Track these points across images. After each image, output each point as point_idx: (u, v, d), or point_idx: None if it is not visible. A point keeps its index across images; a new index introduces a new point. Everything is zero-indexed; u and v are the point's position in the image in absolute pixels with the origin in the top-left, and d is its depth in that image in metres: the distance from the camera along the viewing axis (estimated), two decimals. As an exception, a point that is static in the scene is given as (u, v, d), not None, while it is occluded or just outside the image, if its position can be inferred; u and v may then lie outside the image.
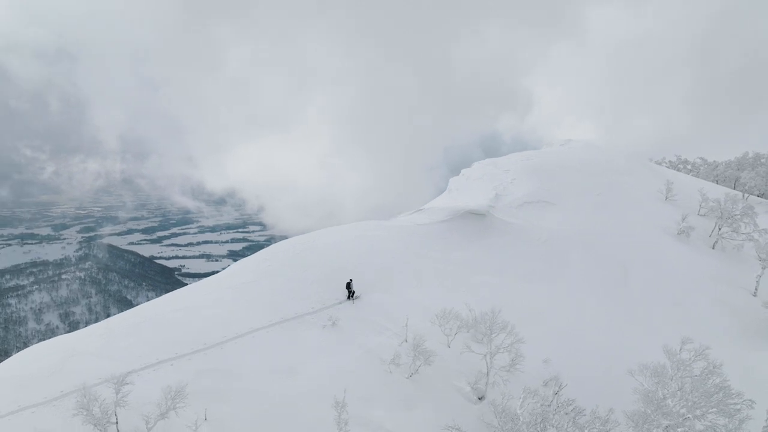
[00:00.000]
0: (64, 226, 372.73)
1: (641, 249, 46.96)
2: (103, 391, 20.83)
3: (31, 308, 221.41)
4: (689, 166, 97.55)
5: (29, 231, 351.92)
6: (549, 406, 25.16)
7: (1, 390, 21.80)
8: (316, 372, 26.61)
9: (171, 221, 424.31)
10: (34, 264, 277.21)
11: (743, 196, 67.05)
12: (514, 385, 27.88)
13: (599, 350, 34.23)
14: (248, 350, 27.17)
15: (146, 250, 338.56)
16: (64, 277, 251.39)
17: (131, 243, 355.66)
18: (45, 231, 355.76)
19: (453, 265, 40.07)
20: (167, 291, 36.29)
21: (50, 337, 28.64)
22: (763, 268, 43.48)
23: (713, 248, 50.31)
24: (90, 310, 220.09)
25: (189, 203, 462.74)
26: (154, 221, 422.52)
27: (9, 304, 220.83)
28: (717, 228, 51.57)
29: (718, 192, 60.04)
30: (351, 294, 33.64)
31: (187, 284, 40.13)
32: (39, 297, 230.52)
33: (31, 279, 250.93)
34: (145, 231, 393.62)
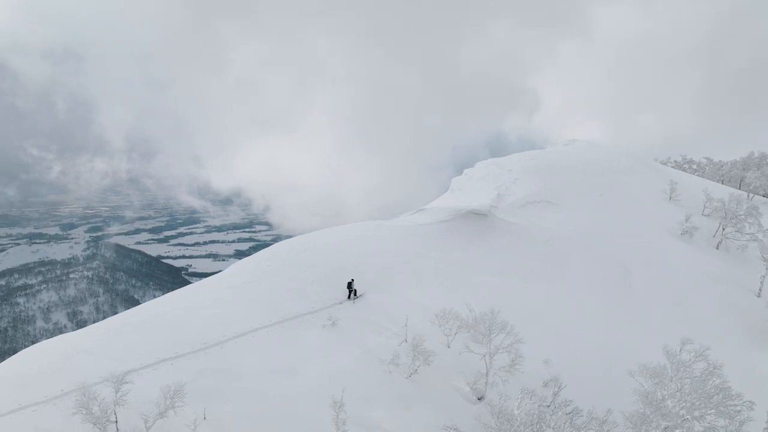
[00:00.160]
0: (72, 226, 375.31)
1: (644, 249, 46.79)
2: (102, 390, 21.00)
3: (39, 307, 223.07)
4: (694, 166, 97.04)
5: (38, 230, 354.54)
6: (547, 406, 25.15)
7: (3, 389, 22.06)
8: (315, 372, 26.71)
9: (178, 221, 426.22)
10: (42, 263, 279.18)
11: (748, 196, 66.65)
12: (514, 386, 27.83)
13: (600, 351, 34.16)
14: (248, 350, 27.30)
15: (153, 250, 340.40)
16: (71, 276, 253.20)
17: (138, 242, 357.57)
18: (53, 230, 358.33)
19: (453, 265, 40.09)
20: (174, 290, 36.59)
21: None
22: (768, 269, 43.28)
23: (717, 248, 50.07)
24: (97, 309, 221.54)
25: (195, 203, 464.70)
26: (162, 221, 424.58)
27: (18, 303, 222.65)
28: (721, 228, 51.31)
29: (722, 192, 59.67)
30: (353, 293, 33.74)
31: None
32: (47, 296, 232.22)
33: (40, 278, 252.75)
34: (152, 230, 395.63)
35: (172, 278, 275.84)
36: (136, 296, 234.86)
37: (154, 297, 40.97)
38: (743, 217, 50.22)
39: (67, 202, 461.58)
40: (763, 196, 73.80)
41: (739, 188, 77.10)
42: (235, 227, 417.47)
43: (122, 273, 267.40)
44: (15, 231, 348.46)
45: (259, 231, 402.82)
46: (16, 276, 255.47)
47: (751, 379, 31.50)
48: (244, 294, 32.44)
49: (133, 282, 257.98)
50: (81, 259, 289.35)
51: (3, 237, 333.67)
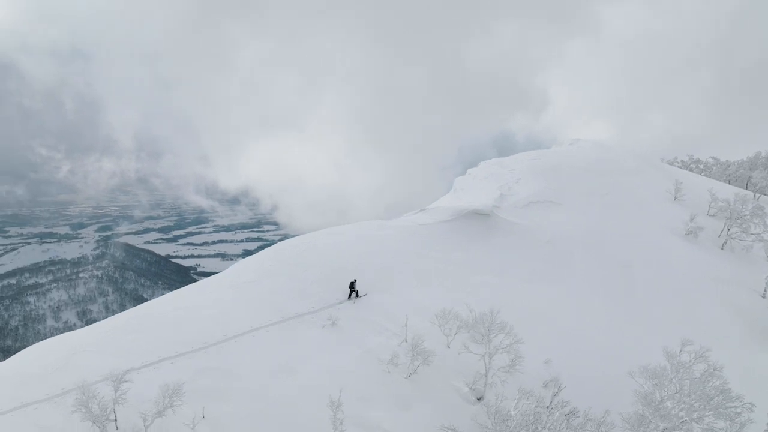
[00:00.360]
0: (82, 225, 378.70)
1: (647, 249, 46.55)
2: (102, 388, 21.25)
3: (49, 306, 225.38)
4: (701, 166, 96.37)
5: (48, 230, 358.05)
6: (545, 407, 25.11)
7: (5, 387, 22.38)
8: (314, 371, 26.85)
9: (187, 220, 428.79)
10: (52, 262, 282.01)
11: (754, 196, 66.10)
12: (514, 386, 27.79)
13: (601, 351, 34.05)
14: (248, 349, 27.49)
15: (162, 249, 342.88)
16: (81, 275, 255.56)
17: (147, 242, 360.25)
18: (63, 230, 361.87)
19: (454, 265, 40.10)
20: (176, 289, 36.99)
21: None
22: (773, 269, 42.95)
23: (722, 249, 49.72)
24: (107, 308, 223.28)
25: (203, 202, 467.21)
26: (170, 220, 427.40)
27: (28, 302, 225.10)
28: (726, 228, 50.96)
29: (728, 192, 59.19)
30: (355, 293, 33.85)
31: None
32: (57, 295, 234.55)
33: (50, 277, 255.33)
34: (161, 230, 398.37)
35: (181, 278, 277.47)
36: (145, 295, 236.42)
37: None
38: (749, 217, 49.85)
39: (77, 202, 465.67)
40: (770, 196, 73.25)
41: (746, 188, 76.49)
42: (243, 227, 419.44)
43: (131, 272, 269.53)
44: (26, 230, 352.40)
45: (267, 231, 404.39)
46: (27, 275, 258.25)
47: (754, 381, 31.34)
48: (245, 293, 32.65)
49: (142, 281, 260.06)
50: (91, 258, 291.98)
51: (14, 236, 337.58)
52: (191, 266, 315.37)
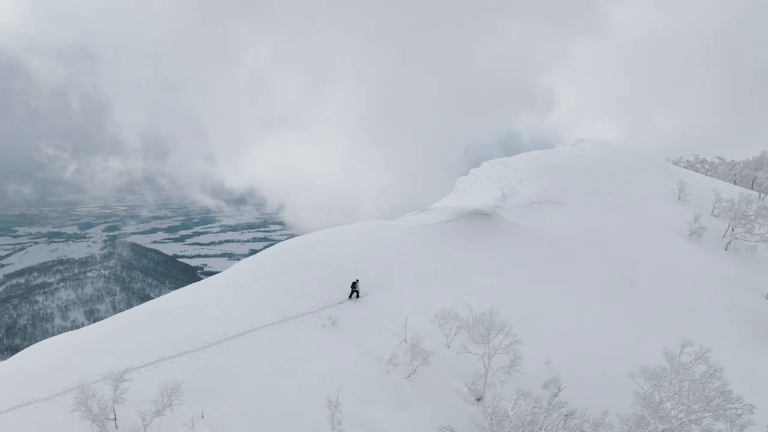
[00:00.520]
0: (90, 225, 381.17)
1: (650, 250, 46.33)
2: (102, 387, 21.47)
3: (57, 305, 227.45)
4: (707, 166, 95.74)
5: (56, 230, 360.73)
6: (541, 408, 25.10)
7: (6, 386, 22.66)
8: (314, 371, 26.93)
9: (193, 220, 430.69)
10: (60, 262, 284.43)
11: (759, 196, 65.58)
12: (514, 387, 27.76)
13: (602, 352, 33.94)
14: (248, 349, 27.64)
15: (169, 249, 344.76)
16: (89, 274, 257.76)
17: (155, 242, 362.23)
18: (71, 230, 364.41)
19: (455, 265, 40.12)
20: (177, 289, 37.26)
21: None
22: (777, 270, 42.65)
23: (726, 249, 49.41)
24: (114, 307, 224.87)
25: (209, 202, 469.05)
26: (178, 220, 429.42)
27: (36, 301, 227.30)
28: (730, 229, 50.66)
29: (733, 192, 58.77)
30: (356, 294, 33.96)
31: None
32: (65, 294, 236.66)
33: (58, 276, 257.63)
34: (168, 230, 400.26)
35: (188, 277, 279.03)
36: (152, 295, 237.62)
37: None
38: (753, 217, 49.48)
39: (85, 202, 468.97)
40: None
41: (752, 188, 75.97)
42: (249, 227, 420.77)
43: (138, 272, 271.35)
44: (34, 230, 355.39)
45: (274, 231, 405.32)
46: (35, 274, 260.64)
47: (757, 382, 31.12)
48: (246, 293, 32.84)
49: (149, 281, 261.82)
50: (98, 257, 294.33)
51: (22, 236, 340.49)
52: (198, 266, 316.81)
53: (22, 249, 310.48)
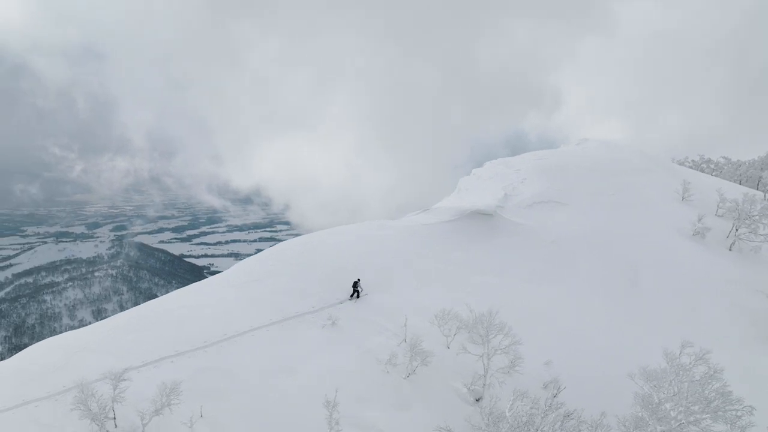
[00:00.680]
0: (97, 225, 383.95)
1: (653, 250, 46.08)
2: (102, 387, 21.66)
3: (65, 304, 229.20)
4: (712, 166, 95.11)
5: (64, 229, 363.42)
6: (538, 408, 25.09)
7: (7, 384, 22.90)
8: (313, 371, 27.03)
9: (200, 220, 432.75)
10: (68, 261, 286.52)
11: (765, 196, 65.07)
12: (513, 388, 27.79)
13: (603, 353, 33.85)
14: (248, 349, 27.77)
15: (176, 249, 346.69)
16: (96, 274, 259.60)
17: (162, 241, 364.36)
18: (79, 229, 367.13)
19: (455, 265, 40.13)
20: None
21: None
22: (781, 271, 42.32)
23: (730, 250, 49.11)
24: (121, 307, 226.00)
25: (216, 202, 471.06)
26: (185, 220, 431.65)
27: (44, 301, 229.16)
28: (734, 229, 50.34)
29: (738, 192, 58.36)
30: (357, 293, 34.05)
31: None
32: (73, 294, 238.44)
33: (66, 276, 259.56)
34: (175, 230, 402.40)
35: (195, 277, 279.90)
36: (159, 294, 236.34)
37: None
38: (757, 217, 49.13)
39: (93, 202, 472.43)
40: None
41: (757, 188, 75.46)
42: (256, 227, 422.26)
43: (146, 271, 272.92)
44: (42, 229, 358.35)
45: (281, 231, 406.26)
46: (44, 274, 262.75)
47: (760, 383, 30.94)
48: (247, 293, 32.99)
49: (156, 280, 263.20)
50: (106, 257, 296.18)
51: (31, 235, 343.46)
52: (205, 266, 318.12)
53: (30, 249, 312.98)
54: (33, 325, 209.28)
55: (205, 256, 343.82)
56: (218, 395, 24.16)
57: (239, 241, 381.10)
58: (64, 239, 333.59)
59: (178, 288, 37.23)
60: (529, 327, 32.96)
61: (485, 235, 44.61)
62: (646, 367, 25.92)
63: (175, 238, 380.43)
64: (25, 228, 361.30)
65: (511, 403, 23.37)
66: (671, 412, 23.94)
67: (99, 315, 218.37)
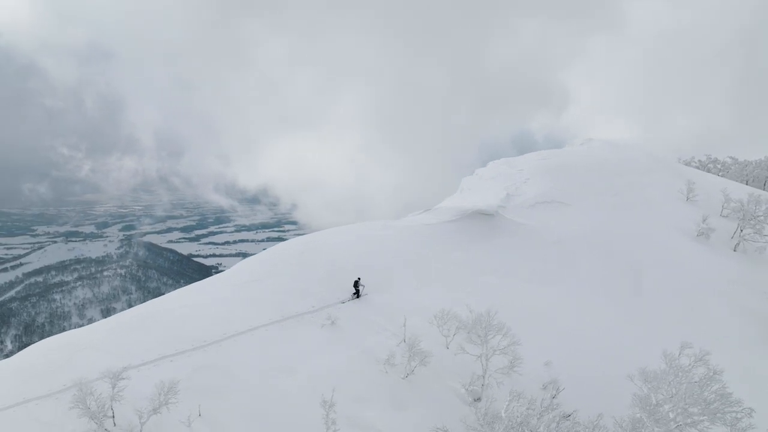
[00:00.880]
0: (106, 224, 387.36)
1: (656, 250, 45.82)
2: (101, 385, 21.89)
3: (74, 303, 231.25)
4: (719, 166, 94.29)
5: (74, 229, 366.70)
6: (534, 409, 25.11)
7: (9, 382, 23.21)
8: (312, 371, 27.14)
9: (209, 220, 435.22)
10: (78, 261, 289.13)
11: (771, 196, 64.47)
12: (513, 388, 27.79)
13: (604, 353, 33.73)
14: (247, 348, 27.93)
15: (185, 248, 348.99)
16: (105, 273, 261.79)
17: (170, 241, 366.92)
18: (89, 229, 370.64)
19: (455, 265, 40.14)
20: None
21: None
22: (786, 272, 41.97)
23: (734, 250, 48.76)
24: (130, 306, 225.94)
25: (223, 201, 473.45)
26: (193, 220, 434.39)
27: (54, 299, 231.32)
28: (739, 230, 49.98)
29: (743, 192, 57.86)
30: (358, 293, 34.17)
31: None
32: (82, 293, 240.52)
33: (75, 275, 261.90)
34: (183, 229, 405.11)
35: (203, 277, 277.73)
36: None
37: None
38: (762, 218, 48.74)
39: (102, 201, 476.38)
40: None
41: (764, 188, 74.78)
42: (263, 226, 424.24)
43: (154, 271, 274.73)
44: (52, 229, 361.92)
45: (288, 230, 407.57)
46: (53, 273, 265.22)
47: (761, 385, 30.77)
48: (247, 292, 33.20)
49: (165, 280, 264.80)
50: (115, 256, 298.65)
51: (41, 235, 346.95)
52: (213, 265, 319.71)
53: (40, 248, 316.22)
54: (43, 324, 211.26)
55: (214, 255, 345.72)
56: (217, 394, 24.35)
57: (247, 240, 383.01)
58: (73, 239, 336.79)
59: (186, 287, 37.53)
60: (529, 327, 32.94)
61: (486, 235, 44.57)
62: (645, 368, 25.83)
63: (184, 238, 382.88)
64: (35, 227, 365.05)
65: (507, 403, 23.41)
66: (670, 414, 23.86)
67: (108, 314, 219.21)
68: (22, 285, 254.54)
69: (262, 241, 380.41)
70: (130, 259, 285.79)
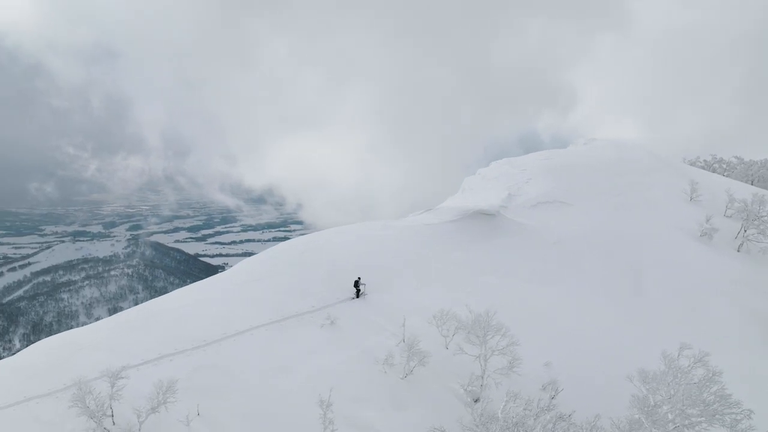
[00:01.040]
0: (114, 224, 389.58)
1: (659, 251, 45.60)
2: (101, 385, 22.10)
3: (82, 303, 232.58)
4: (724, 166, 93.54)
5: (81, 228, 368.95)
6: (531, 410, 25.11)
7: (10, 381, 23.42)
8: (311, 371, 27.24)
9: (215, 220, 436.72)
10: (85, 260, 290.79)
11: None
12: (512, 388, 27.77)
13: (604, 353, 33.65)
14: (246, 347, 28.06)
15: (191, 248, 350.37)
16: (113, 273, 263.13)
17: (177, 241, 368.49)
18: (96, 228, 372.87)
19: (455, 265, 40.13)
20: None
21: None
22: (790, 272, 41.68)
23: (738, 251, 48.46)
24: (137, 305, 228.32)
25: (229, 201, 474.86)
26: (200, 219, 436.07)
27: (62, 299, 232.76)
28: (743, 230, 49.67)
29: (748, 192, 57.46)
30: (357, 292, 34.26)
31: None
32: (89, 292, 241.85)
33: (83, 275, 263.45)
34: (190, 229, 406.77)
35: (209, 276, 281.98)
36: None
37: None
38: (766, 218, 48.41)
39: (109, 201, 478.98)
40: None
41: (769, 188, 74.19)
42: (270, 226, 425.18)
43: (161, 270, 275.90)
44: (60, 228, 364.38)
45: (294, 230, 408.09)
46: (61, 272, 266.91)
47: (761, 386, 30.60)
48: (248, 292, 33.35)
49: (171, 279, 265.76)
50: (122, 256, 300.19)
51: (49, 235, 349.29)
52: (219, 265, 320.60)
53: (48, 247, 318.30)
54: (50, 323, 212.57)
55: (220, 255, 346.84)
56: (217, 394, 24.48)
57: (253, 240, 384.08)
58: (81, 238, 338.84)
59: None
60: (529, 327, 32.96)
61: (487, 235, 44.52)
62: (645, 369, 25.77)
63: (190, 238, 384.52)
64: (43, 227, 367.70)
65: (504, 404, 23.42)
66: (668, 415, 23.79)
67: (114, 313, 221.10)
68: (30, 284, 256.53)
69: (268, 240, 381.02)
70: (137, 259, 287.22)
